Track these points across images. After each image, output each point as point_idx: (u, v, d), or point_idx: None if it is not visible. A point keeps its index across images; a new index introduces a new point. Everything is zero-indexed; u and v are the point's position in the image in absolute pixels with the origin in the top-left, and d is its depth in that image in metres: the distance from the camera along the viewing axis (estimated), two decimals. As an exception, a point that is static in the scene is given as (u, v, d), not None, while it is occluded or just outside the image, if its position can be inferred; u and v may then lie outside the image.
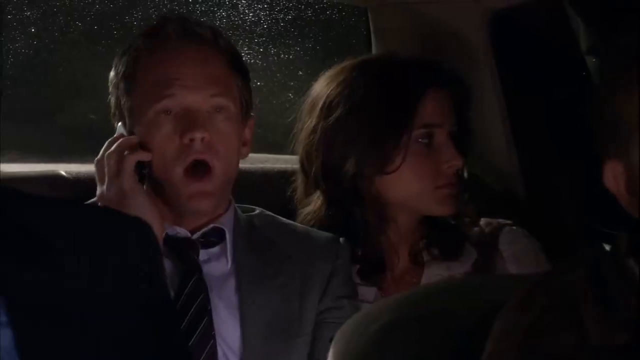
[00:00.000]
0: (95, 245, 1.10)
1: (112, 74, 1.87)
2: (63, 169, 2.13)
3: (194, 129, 1.76)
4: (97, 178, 1.82)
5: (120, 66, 1.84)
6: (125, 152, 1.78)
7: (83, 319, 1.05)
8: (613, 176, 1.12)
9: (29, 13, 3.06)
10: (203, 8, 2.95)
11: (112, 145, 1.81)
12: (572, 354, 1.03)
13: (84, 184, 2.04)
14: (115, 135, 1.83)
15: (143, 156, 1.79)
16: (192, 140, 1.76)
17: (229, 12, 2.95)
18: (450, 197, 1.95)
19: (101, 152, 1.82)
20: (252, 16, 3.00)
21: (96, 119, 3.32)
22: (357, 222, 1.97)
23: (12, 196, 1.08)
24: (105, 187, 1.79)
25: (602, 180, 1.12)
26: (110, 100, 1.88)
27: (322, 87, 1.99)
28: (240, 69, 1.87)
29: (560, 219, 2.28)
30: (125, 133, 1.82)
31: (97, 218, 1.14)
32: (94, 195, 1.83)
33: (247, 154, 1.89)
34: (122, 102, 1.83)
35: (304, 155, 2.00)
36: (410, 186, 1.94)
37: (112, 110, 1.87)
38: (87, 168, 2.17)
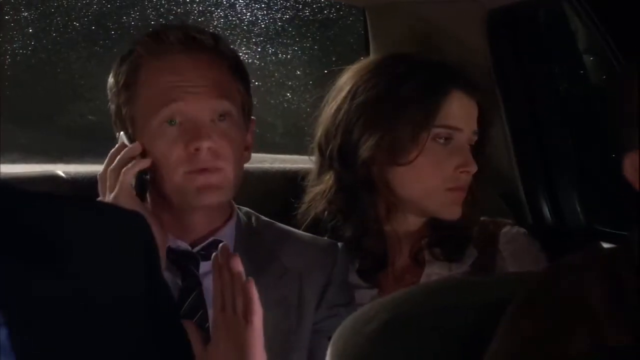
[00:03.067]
0: (90, 239, 1.09)
1: (111, 81, 1.84)
2: (61, 169, 2.12)
3: (200, 138, 1.74)
4: (100, 192, 1.81)
5: (120, 75, 1.82)
6: (124, 169, 1.76)
7: (81, 318, 1.05)
8: (632, 167, 1.12)
9: (26, 14, 3.06)
10: (200, 8, 2.95)
11: (113, 159, 1.79)
12: (581, 354, 1.02)
13: (82, 185, 2.03)
14: (117, 146, 1.81)
15: (142, 165, 1.77)
16: (197, 149, 1.75)
17: (227, 12, 2.95)
18: (459, 202, 1.95)
19: (104, 166, 1.81)
20: (250, 16, 3.00)
21: (95, 119, 3.32)
22: (365, 209, 1.97)
23: (8, 193, 1.08)
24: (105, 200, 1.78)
25: (622, 171, 1.12)
26: (110, 107, 1.85)
27: (349, 76, 2.01)
28: (241, 74, 1.85)
29: (560, 219, 2.27)
30: (127, 143, 1.80)
31: (90, 212, 1.14)
32: (91, 195, 1.82)
33: (249, 159, 1.88)
34: (124, 112, 1.81)
35: (323, 134, 2.00)
36: (420, 183, 1.93)
37: (113, 118, 1.85)
38: (85, 168, 2.17)
